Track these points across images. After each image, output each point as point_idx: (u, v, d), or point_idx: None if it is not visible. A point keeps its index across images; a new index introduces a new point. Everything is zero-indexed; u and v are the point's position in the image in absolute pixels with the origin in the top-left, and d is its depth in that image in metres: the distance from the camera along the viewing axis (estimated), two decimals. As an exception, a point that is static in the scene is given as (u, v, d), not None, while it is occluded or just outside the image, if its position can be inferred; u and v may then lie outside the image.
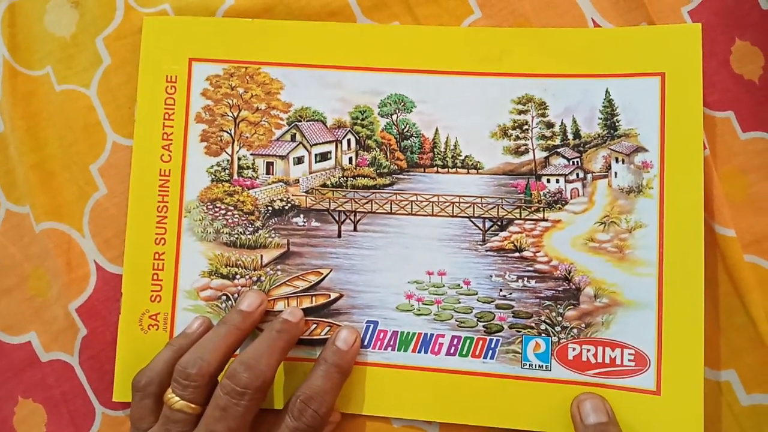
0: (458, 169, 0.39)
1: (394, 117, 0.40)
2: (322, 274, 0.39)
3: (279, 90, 0.40)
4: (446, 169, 0.40)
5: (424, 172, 0.40)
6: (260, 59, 0.40)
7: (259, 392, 0.33)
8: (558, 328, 0.37)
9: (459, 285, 0.38)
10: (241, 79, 0.40)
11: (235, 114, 0.40)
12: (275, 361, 0.34)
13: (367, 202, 0.40)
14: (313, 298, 0.39)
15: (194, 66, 0.40)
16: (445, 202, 0.39)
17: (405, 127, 0.40)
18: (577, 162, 0.39)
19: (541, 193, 0.39)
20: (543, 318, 0.37)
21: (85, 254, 0.40)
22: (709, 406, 0.36)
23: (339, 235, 0.39)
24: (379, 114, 0.40)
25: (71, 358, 0.40)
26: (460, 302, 0.38)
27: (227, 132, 0.40)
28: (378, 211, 0.39)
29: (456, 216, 0.39)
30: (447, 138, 0.40)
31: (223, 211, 0.40)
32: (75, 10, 0.42)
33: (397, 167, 0.40)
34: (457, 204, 0.39)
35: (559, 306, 0.37)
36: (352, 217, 0.39)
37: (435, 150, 0.40)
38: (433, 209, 0.39)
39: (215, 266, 0.39)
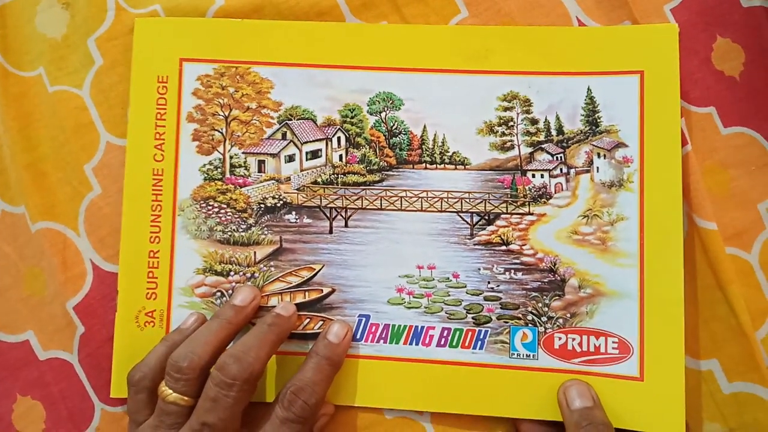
0: (446, 165, 0.40)
1: (383, 115, 0.41)
2: (315, 269, 0.39)
3: (269, 89, 0.41)
4: (434, 166, 0.40)
5: (413, 168, 0.40)
6: (250, 59, 0.41)
7: (248, 384, 0.33)
8: (544, 319, 0.38)
9: (448, 278, 0.39)
10: (231, 78, 0.41)
11: (227, 113, 0.41)
12: (264, 354, 0.35)
13: (357, 199, 0.40)
14: (306, 294, 0.39)
15: (185, 66, 0.41)
16: (433, 198, 0.40)
17: (394, 124, 0.41)
18: (561, 157, 0.40)
19: (527, 187, 0.40)
20: (530, 309, 0.38)
21: (81, 253, 0.41)
22: (692, 395, 0.37)
23: (330, 231, 0.40)
24: (368, 112, 0.41)
25: (70, 356, 0.40)
26: (449, 295, 0.39)
27: (219, 131, 0.41)
28: (368, 207, 0.40)
29: (444, 211, 0.40)
30: (435, 135, 0.40)
31: (216, 209, 0.40)
32: (66, 12, 0.43)
33: (387, 164, 0.41)
34: (446, 199, 0.40)
35: (545, 297, 0.38)
36: (343, 214, 0.40)
37: (423, 147, 0.40)
38: (422, 205, 0.40)
39: (209, 263, 0.40)
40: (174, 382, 0.34)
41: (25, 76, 0.43)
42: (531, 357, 0.38)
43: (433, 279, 0.39)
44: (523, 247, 0.39)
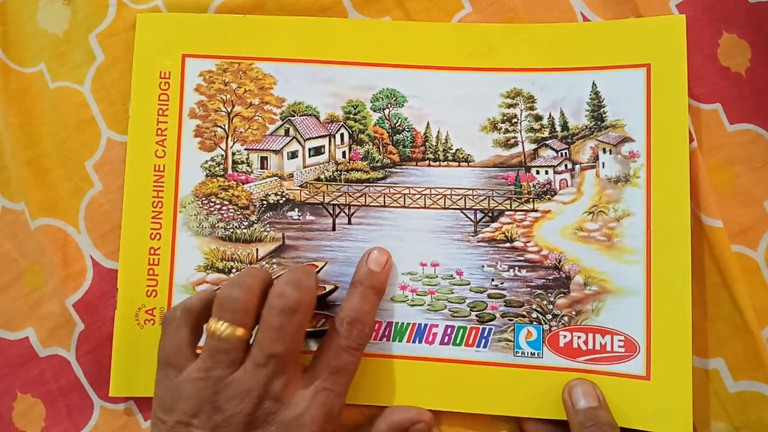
0: (449, 163, 0.40)
1: (386, 111, 0.40)
2: (318, 266, 0.39)
3: (272, 85, 0.40)
4: (438, 163, 0.40)
5: (416, 165, 0.40)
6: (253, 55, 0.40)
7: (309, 308, 0.33)
8: (549, 316, 0.38)
9: (452, 275, 0.39)
10: (234, 74, 0.40)
11: (229, 109, 0.40)
12: (314, 283, 0.34)
13: (360, 196, 0.40)
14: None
15: (187, 62, 0.40)
16: (437, 195, 0.40)
17: (397, 121, 0.40)
18: (566, 153, 0.39)
19: (531, 184, 0.39)
20: (534, 306, 0.38)
21: (81, 250, 0.40)
22: (698, 394, 0.37)
23: (334, 228, 0.40)
24: (371, 108, 0.40)
25: (68, 354, 0.40)
26: (453, 292, 0.39)
27: (221, 127, 0.40)
28: (372, 204, 0.40)
29: (448, 208, 0.40)
30: (438, 132, 0.40)
31: (218, 206, 0.40)
32: (67, 7, 0.42)
33: (390, 161, 0.40)
34: (449, 196, 0.40)
35: (549, 294, 0.38)
36: (347, 211, 0.40)
37: (427, 144, 0.40)
38: (425, 202, 0.40)
39: (211, 260, 0.39)
40: (231, 313, 0.32)
41: (27, 72, 0.42)
42: (536, 355, 0.38)
43: (437, 276, 0.39)
44: (528, 244, 0.39)
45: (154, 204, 0.40)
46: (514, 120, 0.39)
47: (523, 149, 0.40)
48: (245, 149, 0.40)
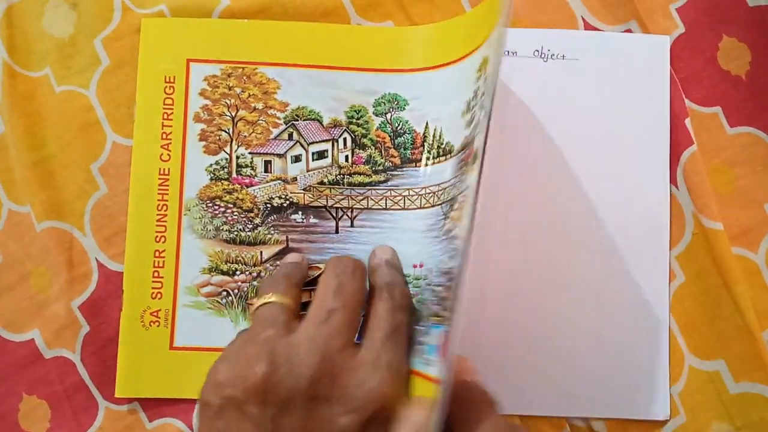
0: (440, 158, 0.39)
1: (388, 116, 0.41)
2: (321, 269, 0.39)
3: (276, 90, 0.41)
4: (432, 161, 0.40)
5: (416, 166, 0.40)
6: (257, 59, 0.41)
7: (364, 279, 0.33)
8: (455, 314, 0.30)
9: (426, 275, 0.37)
10: (238, 79, 0.41)
11: (233, 113, 0.41)
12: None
13: (363, 199, 0.40)
14: (312, 293, 0.39)
15: (192, 66, 0.41)
16: (428, 194, 0.39)
17: (398, 124, 0.41)
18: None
19: (474, 156, 0.33)
20: (448, 303, 0.32)
21: (87, 252, 0.41)
22: (699, 394, 0.37)
23: (337, 231, 0.40)
24: (373, 113, 0.41)
25: (73, 355, 0.40)
26: (424, 294, 0.36)
27: (225, 131, 0.41)
28: (374, 207, 0.40)
29: (435, 205, 0.39)
30: (435, 130, 0.40)
31: (222, 209, 0.40)
32: (73, 12, 0.43)
33: (392, 164, 0.41)
34: (436, 193, 0.39)
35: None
36: (349, 214, 0.40)
37: (425, 143, 0.40)
38: (421, 202, 0.40)
39: (215, 263, 0.40)
40: (274, 288, 0.33)
41: (32, 76, 0.43)
42: (432, 363, 0.31)
43: (420, 278, 0.37)
44: (459, 227, 0.34)
45: (159, 207, 0.40)
46: (481, 92, 0.35)
47: (479, 118, 0.34)
48: (249, 153, 0.41)
